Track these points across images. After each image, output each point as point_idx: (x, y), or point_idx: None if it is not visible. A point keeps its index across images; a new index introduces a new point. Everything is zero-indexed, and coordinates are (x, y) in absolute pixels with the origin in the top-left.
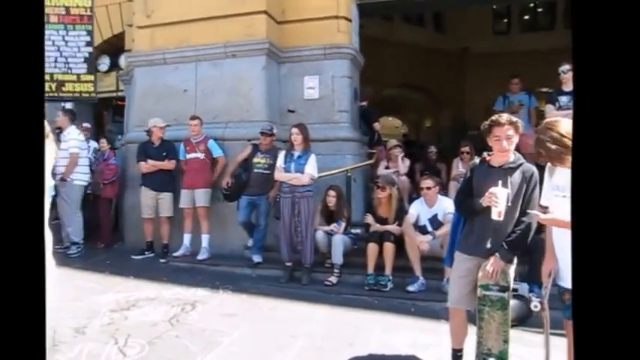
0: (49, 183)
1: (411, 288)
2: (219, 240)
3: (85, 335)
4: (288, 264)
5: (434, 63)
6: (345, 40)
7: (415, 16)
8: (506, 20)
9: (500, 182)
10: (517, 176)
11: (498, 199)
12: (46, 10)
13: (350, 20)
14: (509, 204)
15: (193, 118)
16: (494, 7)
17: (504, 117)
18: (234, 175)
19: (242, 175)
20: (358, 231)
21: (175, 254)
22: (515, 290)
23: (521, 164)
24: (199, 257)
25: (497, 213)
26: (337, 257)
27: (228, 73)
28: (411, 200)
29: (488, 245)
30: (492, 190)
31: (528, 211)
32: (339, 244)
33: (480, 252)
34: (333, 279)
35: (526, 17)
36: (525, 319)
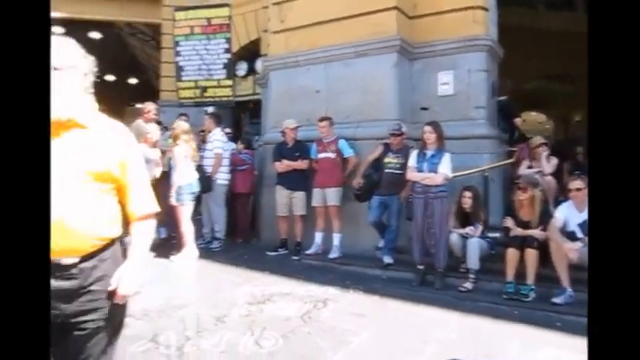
0: (193, 179)
1: (556, 300)
2: (351, 239)
3: (225, 324)
4: (420, 267)
5: (583, 50)
6: (482, 31)
7: (561, 1)
8: None
9: None
10: None
11: None
12: (191, 23)
13: (486, 10)
14: None
15: (322, 119)
16: None
17: None
18: (365, 175)
19: (373, 175)
20: (496, 235)
21: (308, 252)
22: None
23: None
24: (331, 256)
25: None
26: (473, 262)
27: (359, 73)
28: (557, 203)
29: None
30: None
31: None
32: (475, 248)
33: None
34: (469, 285)
35: None
36: None
